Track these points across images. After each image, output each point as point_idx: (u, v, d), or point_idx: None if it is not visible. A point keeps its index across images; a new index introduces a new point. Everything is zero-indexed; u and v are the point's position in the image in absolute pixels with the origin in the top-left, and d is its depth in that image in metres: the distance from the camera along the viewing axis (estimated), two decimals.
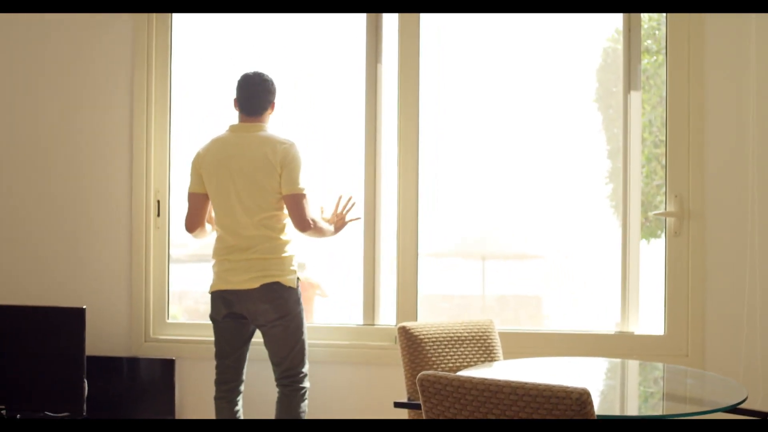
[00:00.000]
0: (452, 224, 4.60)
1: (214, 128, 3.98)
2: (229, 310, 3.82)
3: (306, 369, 3.89)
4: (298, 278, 3.86)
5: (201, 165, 3.82)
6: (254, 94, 3.85)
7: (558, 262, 4.86)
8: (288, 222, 3.85)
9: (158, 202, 4.28)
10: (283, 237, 3.83)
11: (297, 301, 3.84)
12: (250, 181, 3.75)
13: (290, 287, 3.80)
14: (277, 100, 3.91)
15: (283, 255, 3.82)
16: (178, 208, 4.31)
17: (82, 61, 4.34)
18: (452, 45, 4.45)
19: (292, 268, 3.85)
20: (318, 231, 3.88)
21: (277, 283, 3.77)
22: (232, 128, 3.86)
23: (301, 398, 3.87)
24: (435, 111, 4.35)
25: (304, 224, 3.80)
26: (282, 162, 3.75)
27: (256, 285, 3.75)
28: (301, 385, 3.87)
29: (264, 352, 3.86)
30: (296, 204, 3.78)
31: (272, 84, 3.90)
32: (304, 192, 3.79)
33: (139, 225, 4.27)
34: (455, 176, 4.51)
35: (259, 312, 3.78)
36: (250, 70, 3.90)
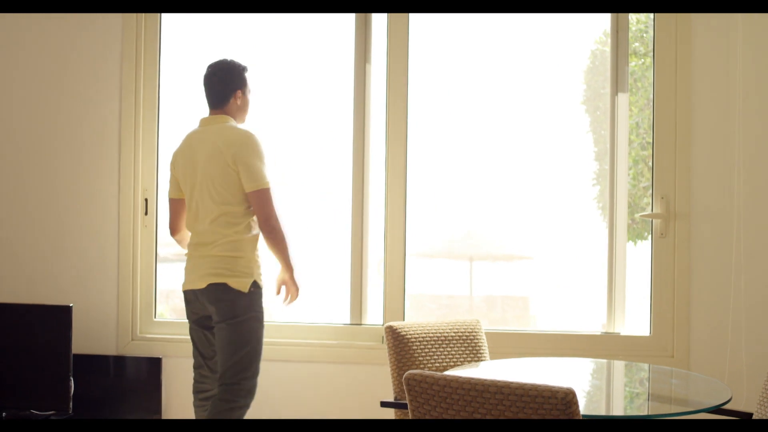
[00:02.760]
0: (440, 225, 4.62)
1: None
2: (193, 311, 3.66)
3: (250, 384, 3.57)
4: (255, 282, 3.57)
5: (174, 163, 3.71)
6: (211, 85, 3.69)
7: (545, 263, 4.87)
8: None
9: (146, 200, 4.28)
10: (246, 235, 3.57)
11: (248, 307, 3.53)
12: (206, 176, 3.56)
13: (239, 290, 3.52)
14: (252, 89, 3.75)
15: (239, 255, 3.55)
16: (166, 207, 4.32)
17: (71, 59, 4.34)
18: (441, 45, 4.46)
19: (248, 270, 3.57)
20: (280, 239, 3.58)
21: (224, 285, 3.51)
22: (200, 122, 3.72)
23: (230, 413, 3.52)
24: (423, 111, 4.36)
25: (267, 224, 3.55)
26: (235, 155, 3.51)
27: (203, 284, 3.55)
28: (235, 399, 3.54)
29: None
30: (258, 200, 3.53)
31: (230, 72, 3.69)
32: (268, 186, 3.54)
33: (127, 223, 4.26)
34: (443, 176, 4.53)
35: (209, 313, 3.61)
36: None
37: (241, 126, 3.65)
